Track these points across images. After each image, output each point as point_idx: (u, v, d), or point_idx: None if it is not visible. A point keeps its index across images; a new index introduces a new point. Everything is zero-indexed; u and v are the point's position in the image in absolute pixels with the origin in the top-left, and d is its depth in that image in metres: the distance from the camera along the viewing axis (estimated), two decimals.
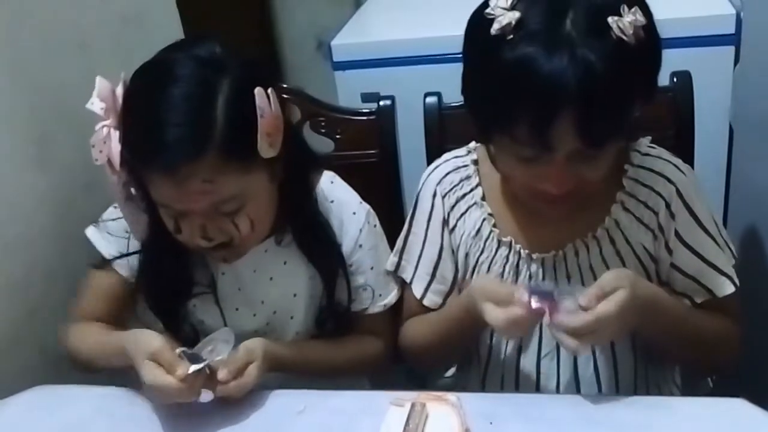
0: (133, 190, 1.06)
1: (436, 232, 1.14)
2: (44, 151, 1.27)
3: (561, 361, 1.09)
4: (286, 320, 1.17)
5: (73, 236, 1.31)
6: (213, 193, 0.96)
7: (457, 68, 1.00)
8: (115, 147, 1.01)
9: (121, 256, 1.15)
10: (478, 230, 1.11)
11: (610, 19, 0.87)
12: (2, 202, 1.20)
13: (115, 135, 1.01)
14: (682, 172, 1.06)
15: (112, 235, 1.15)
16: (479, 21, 0.93)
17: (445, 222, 1.13)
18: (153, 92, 0.96)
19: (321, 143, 1.43)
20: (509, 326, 0.93)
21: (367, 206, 1.18)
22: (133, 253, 1.14)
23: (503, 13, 0.90)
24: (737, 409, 0.90)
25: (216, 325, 1.15)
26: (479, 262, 1.11)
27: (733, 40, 1.78)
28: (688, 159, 1.30)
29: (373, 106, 1.40)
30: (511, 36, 0.89)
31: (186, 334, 1.14)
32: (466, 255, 1.12)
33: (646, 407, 0.92)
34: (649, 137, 1.10)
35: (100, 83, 1.01)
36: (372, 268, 1.17)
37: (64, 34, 1.33)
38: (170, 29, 1.60)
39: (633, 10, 0.88)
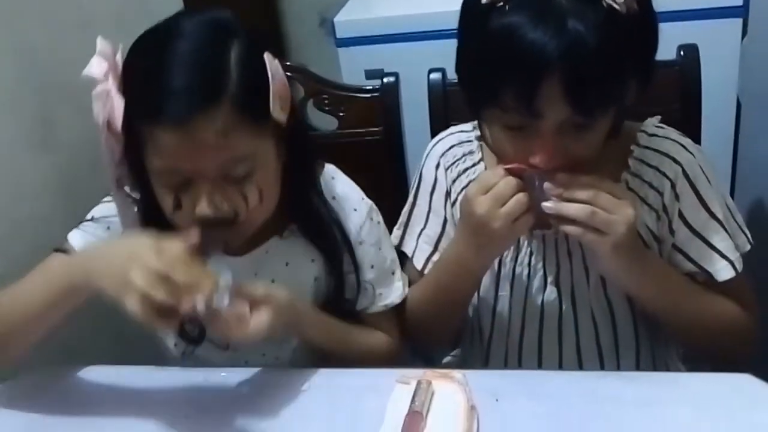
0: (126, 183, 1.00)
1: (440, 204, 1.14)
2: (48, 131, 1.27)
3: (564, 340, 1.09)
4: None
5: (79, 217, 1.31)
6: (226, 149, 0.89)
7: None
8: (118, 107, 0.91)
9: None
10: None
11: None
12: (7, 183, 1.20)
13: (117, 96, 0.92)
14: (690, 152, 1.04)
15: (93, 235, 1.07)
16: None
17: (448, 194, 1.13)
18: (161, 47, 0.90)
19: (325, 121, 1.42)
20: (478, 189, 0.95)
21: (370, 202, 1.13)
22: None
23: None
24: (743, 384, 0.90)
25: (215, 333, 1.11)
26: None
27: (741, 12, 1.76)
28: (695, 133, 1.30)
29: (377, 83, 1.39)
30: (501, 3, 0.89)
31: (183, 337, 1.09)
32: None
33: (650, 383, 0.92)
34: (658, 117, 1.08)
35: (102, 43, 0.94)
36: (373, 267, 1.12)
37: (66, 14, 1.33)
38: (172, 7, 1.57)
39: None
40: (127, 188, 1.02)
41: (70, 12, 1.34)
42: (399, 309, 1.15)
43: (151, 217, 1.00)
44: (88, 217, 1.10)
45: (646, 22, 0.92)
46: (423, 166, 1.17)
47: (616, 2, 0.86)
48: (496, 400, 0.91)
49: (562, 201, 0.93)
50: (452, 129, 1.18)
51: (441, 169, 1.14)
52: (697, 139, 1.29)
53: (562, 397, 0.91)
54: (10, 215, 1.20)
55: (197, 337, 1.08)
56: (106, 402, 1.00)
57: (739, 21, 1.77)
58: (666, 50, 0.92)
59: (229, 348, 1.12)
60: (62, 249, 1.06)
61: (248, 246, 1.08)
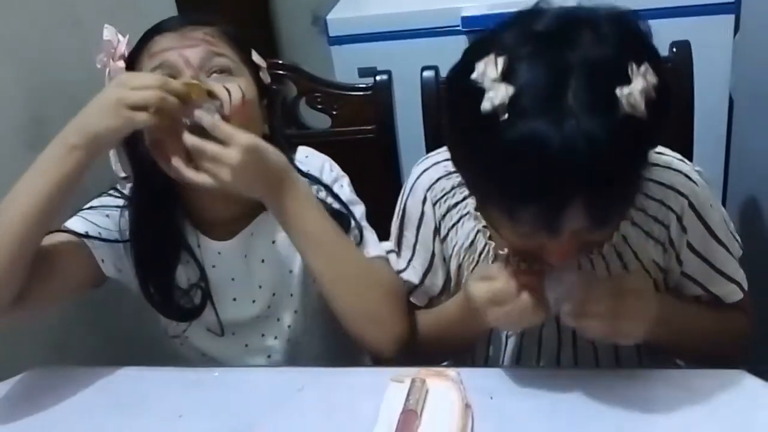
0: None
1: (428, 239, 1.08)
2: (39, 130, 1.26)
3: (562, 336, 1.08)
4: (286, 299, 1.15)
5: (67, 215, 1.31)
6: (211, 43, 1.02)
7: (455, 41, 0.99)
8: (120, 49, 1.04)
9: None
10: (472, 242, 1.05)
11: (618, 92, 0.75)
12: None
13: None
14: (693, 181, 1.00)
15: (92, 221, 1.10)
16: (464, 88, 0.80)
17: (437, 231, 1.08)
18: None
19: (318, 119, 1.42)
20: (488, 300, 0.89)
21: (342, 171, 1.18)
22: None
23: (493, 87, 0.77)
24: (737, 380, 0.90)
25: (210, 319, 1.14)
26: None
27: (733, 8, 1.76)
28: (688, 130, 1.30)
29: (370, 81, 1.39)
30: (506, 116, 0.76)
31: (175, 314, 1.13)
32: (459, 266, 1.07)
33: (645, 380, 0.92)
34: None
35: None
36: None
37: (58, 13, 1.32)
38: (164, 6, 1.58)
39: (643, 69, 0.76)
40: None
41: (62, 11, 1.33)
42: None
43: (145, 195, 1.08)
44: (86, 206, 1.12)
45: (664, 102, 0.80)
46: (407, 197, 1.10)
47: (636, 109, 0.76)
48: (491, 398, 0.91)
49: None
50: (436, 158, 1.09)
51: (428, 204, 1.07)
52: (690, 137, 1.30)
53: (557, 395, 0.91)
54: None
55: (195, 309, 1.11)
56: (99, 402, 0.99)
57: (731, 17, 1.77)
58: (657, 47, 0.90)
59: (224, 333, 1.14)
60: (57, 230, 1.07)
61: (234, 229, 1.12)
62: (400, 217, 1.12)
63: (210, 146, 0.94)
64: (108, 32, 1.04)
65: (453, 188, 1.06)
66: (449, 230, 1.07)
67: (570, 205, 0.77)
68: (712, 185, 1.04)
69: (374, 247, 1.12)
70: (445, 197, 1.07)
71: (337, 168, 1.18)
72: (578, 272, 0.89)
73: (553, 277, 0.88)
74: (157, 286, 1.11)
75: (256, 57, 1.08)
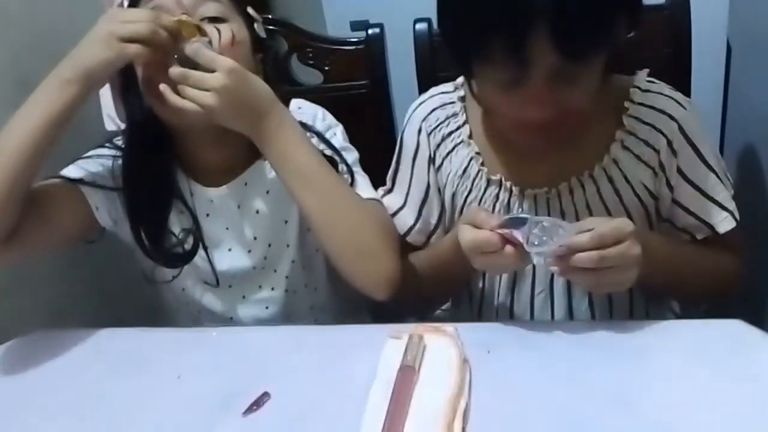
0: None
1: (422, 170, 1.12)
2: (25, 92, 1.24)
3: (555, 299, 1.09)
4: (283, 250, 1.15)
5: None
6: None
7: None
8: None
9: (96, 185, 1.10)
10: (465, 169, 1.08)
11: None
12: None
13: None
14: (684, 107, 1.03)
15: (87, 169, 1.11)
16: None
17: (431, 160, 1.11)
18: None
19: (310, 75, 1.40)
20: (474, 248, 0.90)
21: (335, 120, 1.18)
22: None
23: None
24: (734, 330, 0.90)
25: (206, 270, 1.14)
26: (467, 202, 1.09)
27: None
28: (686, 77, 1.28)
29: (362, 34, 1.37)
30: None
31: (165, 258, 1.13)
32: (453, 194, 1.10)
33: (641, 331, 0.92)
34: (647, 70, 1.06)
35: None
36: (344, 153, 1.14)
37: None
38: None
39: None
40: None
41: None
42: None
43: (138, 143, 1.09)
44: (82, 156, 1.13)
45: None
46: (404, 130, 1.14)
47: None
48: (488, 352, 0.91)
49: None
50: (433, 90, 1.14)
51: (423, 134, 1.11)
52: (687, 84, 1.29)
53: (553, 347, 0.91)
54: None
55: (186, 254, 1.12)
56: (97, 364, 1.00)
57: None
58: None
59: (219, 284, 1.15)
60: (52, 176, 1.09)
61: (227, 177, 1.12)
62: (397, 149, 1.15)
63: (194, 72, 0.94)
64: None
65: (447, 118, 1.10)
66: (444, 159, 1.10)
67: (534, 27, 0.83)
68: (699, 118, 1.04)
69: (366, 190, 1.11)
70: (439, 126, 1.10)
71: (330, 117, 1.19)
72: (559, 225, 0.89)
73: (535, 233, 0.88)
74: (148, 232, 1.11)
75: (251, 11, 1.07)
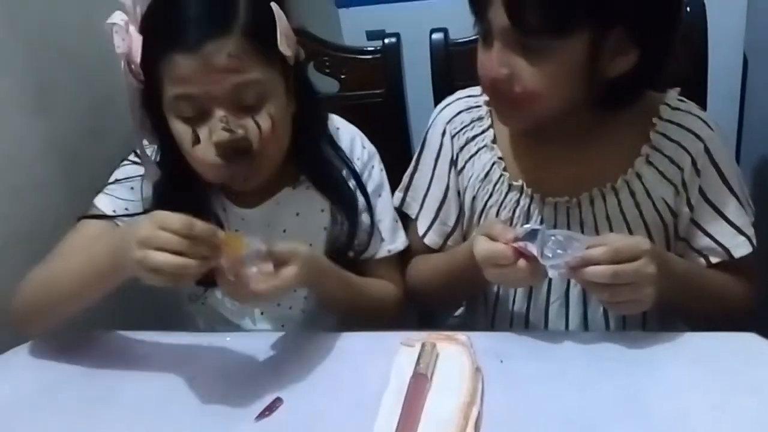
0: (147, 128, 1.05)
1: (444, 171, 1.13)
2: (44, 96, 1.25)
3: (570, 308, 1.08)
4: None
5: (80, 183, 1.31)
6: (237, 72, 0.95)
7: (464, 3, 0.97)
8: (136, 40, 0.97)
9: (128, 214, 1.10)
10: (488, 173, 1.09)
11: None
12: (3, 148, 1.19)
13: (135, 33, 0.97)
14: (711, 128, 1.02)
15: (119, 197, 1.11)
16: None
17: (453, 162, 1.12)
18: None
19: (326, 83, 1.41)
20: (488, 260, 0.91)
21: (373, 149, 1.18)
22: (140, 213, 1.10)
23: None
24: (748, 342, 0.90)
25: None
26: (487, 206, 1.09)
27: None
28: (702, 89, 1.28)
29: (379, 44, 1.37)
30: None
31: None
32: (474, 198, 1.11)
33: (654, 343, 0.92)
34: (678, 89, 1.06)
35: None
36: (373, 213, 1.15)
37: None
38: None
39: None
40: (145, 142, 1.08)
41: None
42: (401, 257, 1.18)
43: (170, 162, 1.06)
44: (111, 180, 1.13)
45: None
46: (428, 131, 1.15)
47: None
48: (501, 361, 0.91)
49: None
50: (460, 93, 1.16)
51: (447, 137, 1.12)
52: (703, 95, 1.28)
53: (566, 358, 0.91)
54: (8, 181, 1.19)
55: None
56: (110, 367, 1.00)
57: None
58: None
59: None
60: (90, 215, 1.09)
61: (260, 198, 1.12)
62: (419, 149, 1.17)
63: (263, 287, 0.91)
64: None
65: (473, 121, 1.11)
66: (466, 162, 1.11)
67: None
68: (727, 143, 1.04)
69: (388, 241, 1.16)
70: (464, 129, 1.11)
71: (368, 144, 1.18)
72: (575, 238, 0.89)
73: (549, 246, 0.88)
74: None
75: (283, 47, 1.01)
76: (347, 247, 1.13)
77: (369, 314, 1.09)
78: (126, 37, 0.96)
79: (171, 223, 0.84)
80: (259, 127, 0.98)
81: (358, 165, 1.15)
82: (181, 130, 0.99)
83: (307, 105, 1.08)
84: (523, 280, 0.92)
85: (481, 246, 0.92)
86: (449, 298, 1.18)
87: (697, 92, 1.25)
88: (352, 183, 1.13)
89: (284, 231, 1.13)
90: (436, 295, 1.15)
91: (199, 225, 0.85)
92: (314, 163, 1.11)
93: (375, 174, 1.17)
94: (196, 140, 0.98)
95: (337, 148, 1.13)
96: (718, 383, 0.84)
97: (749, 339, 0.90)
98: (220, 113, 0.96)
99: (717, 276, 1.04)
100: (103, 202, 1.11)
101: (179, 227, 0.84)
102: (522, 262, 0.89)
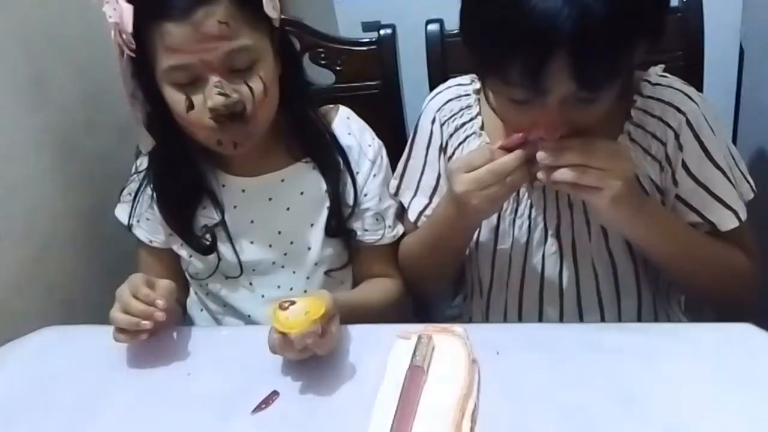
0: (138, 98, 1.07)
1: (434, 158, 1.14)
2: (39, 90, 1.25)
3: (564, 288, 1.09)
4: (304, 251, 1.17)
5: (76, 177, 1.31)
6: (229, 38, 0.98)
7: None
8: (126, 10, 0.98)
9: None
10: None
11: None
12: None
13: (124, 2, 0.98)
14: (694, 101, 1.02)
15: (127, 203, 1.19)
16: None
17: (443, 149, 1.13)
18: None
19: (321, 75, 1.40)
20: (474, 184, 0.93)
21: (380, 141, 1.20)
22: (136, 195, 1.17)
23: None
24: (745, 333, 0.90)
25: (230, 256, 1.16)
26: None
27: None
28: (698, 80, 1.28)
29: (374, 35, 1.37)
30: None
31: (199, 248, 1.17)
32: None
33: (650, 333, 0.92)
34: (662, 65, 1.06)
35: None
36: (382, 199, 1.18)
37: None
38: None
39: None
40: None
41: None
42: (396, 248, 1.20)
43: (162, 128, 1.09)
44: (126, 193, 1.21)
45: None
46: (419, 119, 1.16)
47: None
48: (497, 353, 0.91)
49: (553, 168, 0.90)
50: (450, 82, 1.17)
51: (437, 124, 1.13)
52: (699, 87, 1.28)
53: (562, 349, 0.91)
54: (4, 175, 1.18)
55: (208, 248, 1.16)
56: (107, 361, 1.00)
57: None
58: None
59: (242, 274, 1.17)
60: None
61: (258, 166, 1.15)
62: (412, 137, 1.18)
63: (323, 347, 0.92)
64: None
65: (461, 109, 1.12)
66: (455, 149, 1.12)
67: (554, 58, 0.81)
68: (718, 119, 1.04)
69: (393, 227, 1.19)
70: (453, 117, 1.12)
71: (376, 140, 1.20)
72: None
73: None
74: (177, 229, 1.16)
75: (269, 9, 1.03)
76: (339, 225, 1.16)
77: (377, 317, 1.09)
78: (117, 7, 0.98)
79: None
80: (252, 90, 1.01)
81: (370, 152, 1.17)
82: (175, 97, 1.02)
83: (291, 64, 1.12)
84: (513, 183, 0.94)
85: (462, 179, 0.94)
86: (437, 266, 1.17)
87: (694, 83, 1.25)
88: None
89: (288, 209, 1.15)
90: (425, 266, 1.16)
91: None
92: (317, 143, 1.15)
93: (384, 163, 1.20)
94: (191, 106, 1.01)
95: (344, 158, 1.16)
96: (715, 374, 0.84)
97: (746, 330, 0.90)
98: (214, 79, 0.99)
99: (718, 240, 1.03)
100: (121, 213, 1.21)
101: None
102: (517, 152, 0.92)
